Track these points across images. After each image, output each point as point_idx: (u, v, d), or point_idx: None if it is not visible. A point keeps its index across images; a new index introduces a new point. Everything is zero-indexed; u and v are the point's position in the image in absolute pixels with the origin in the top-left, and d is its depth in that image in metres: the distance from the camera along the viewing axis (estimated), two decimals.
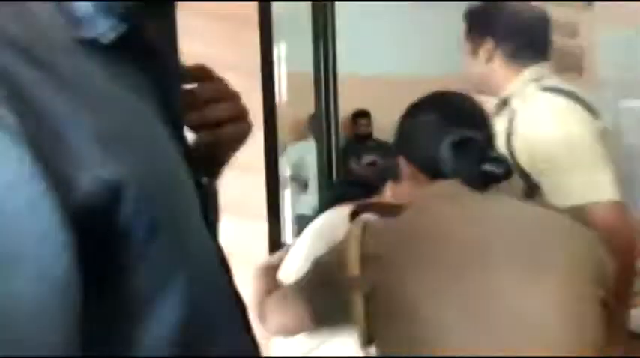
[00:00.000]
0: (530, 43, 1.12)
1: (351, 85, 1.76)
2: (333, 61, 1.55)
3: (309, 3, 1.54)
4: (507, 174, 0.82)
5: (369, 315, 0.79)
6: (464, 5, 1.75)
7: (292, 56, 1.69)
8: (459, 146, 0.82)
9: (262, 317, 0.95)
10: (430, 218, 0.82)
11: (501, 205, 0.84)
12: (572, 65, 1.91)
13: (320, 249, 0.94)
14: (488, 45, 1.12)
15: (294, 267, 1.08)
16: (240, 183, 1.09)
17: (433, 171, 0.85)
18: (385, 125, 1.83)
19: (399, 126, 0.92)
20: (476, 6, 1.21)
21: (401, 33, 2.42)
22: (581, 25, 1.90)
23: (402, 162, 0.90)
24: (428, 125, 0.87)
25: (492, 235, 0.79)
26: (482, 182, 0.81)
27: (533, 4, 1.23)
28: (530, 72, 1.10)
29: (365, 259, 0.79)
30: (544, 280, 0.76)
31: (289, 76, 2.21)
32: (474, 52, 1.15)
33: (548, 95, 1.07)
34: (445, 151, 0.83)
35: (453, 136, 0.83)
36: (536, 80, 1.09)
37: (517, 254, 0.78)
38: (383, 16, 2.71)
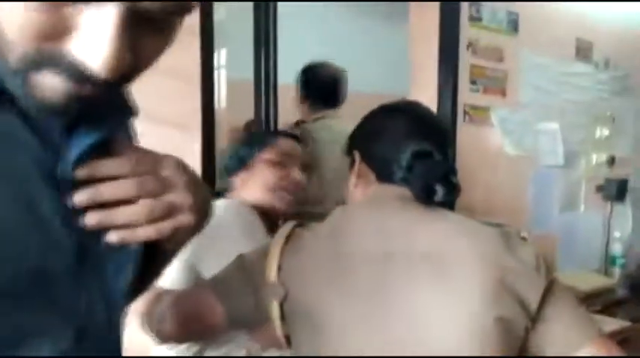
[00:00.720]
0: (323, 94, 1.72)
1: (292, 95, 1.79)
2: (274, 69, 1.56)
3: (251, 10, 1.55)
4: (450, 204, 0.84)
5: (283, 319, 0.80)
6: (405, 17, 1.82)
7: (233, 63, 1.69)
8: (419, 157, 0.84)
9: (159, 322, 0.88)
10: (351, 226, 0.82)
11: (433, 219, 0.82)
12: (497, 87, 2.04)
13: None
14: (303, 94, 1.73)
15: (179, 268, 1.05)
16: None
17: (384, 174, 0.86)
18: None
19: (363, 124, 0.92)
20: (303, 68, 1.77)
21: (344, 45, 2.49)
22: (507, 50, 2.04)
23: (356, 157, 0.90)
24: (394, 129, 0.87)
25: (405, 247, 0.78)
26: (425, 198, 0.82)
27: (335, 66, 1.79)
28: (317, 114, 1.71)
29: (281, 267, 0.80)
30: (446, 297, 0.76)
31: (229, 82, 2.20)
32: (297, 97, 1.74)
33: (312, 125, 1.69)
34: (405, 158, 0.84)
35: (416, 146, 0.84)
36: (317, 119, 1.70)
37: (426, 269, 0.77)
38: (327, 27, 2.77)
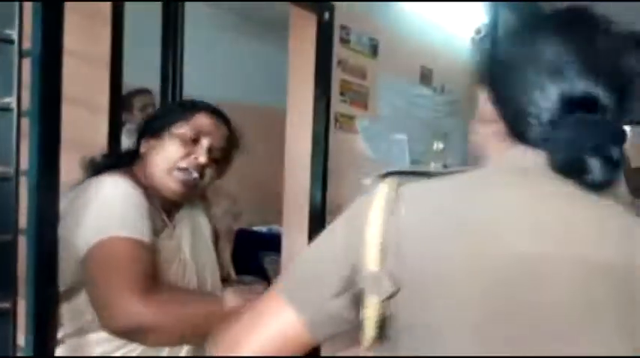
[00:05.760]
0: None
1: None
2: (180, 80, 1.64)
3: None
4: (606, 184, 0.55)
5: (382, 320, 0.57)
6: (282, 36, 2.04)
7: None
8: (574, 107, 0.55)
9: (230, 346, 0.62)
10: (476, 206, 0.58)
11: (585, 206, 0.56)
12: (361, 101, 2.38)
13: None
14: None
15: None
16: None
17: (517, 129, 0.59)
18: None
19: (493, 51, 0.65)
20: None
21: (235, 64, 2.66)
22: (368, 70, 2.40)
23: (481, 95, 0.64)
24: (537, 58, 0.57)
25: (559, 246, 0.54)
26: (570, 174, 0.56)
27: None
28: None
29: (386, 246, 0.56)
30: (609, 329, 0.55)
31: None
32: None
33: None
34: (546, 109, 0.56)
35: (568, 88, 0.55)
36: None
37: (580, 276, 0.54)
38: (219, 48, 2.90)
